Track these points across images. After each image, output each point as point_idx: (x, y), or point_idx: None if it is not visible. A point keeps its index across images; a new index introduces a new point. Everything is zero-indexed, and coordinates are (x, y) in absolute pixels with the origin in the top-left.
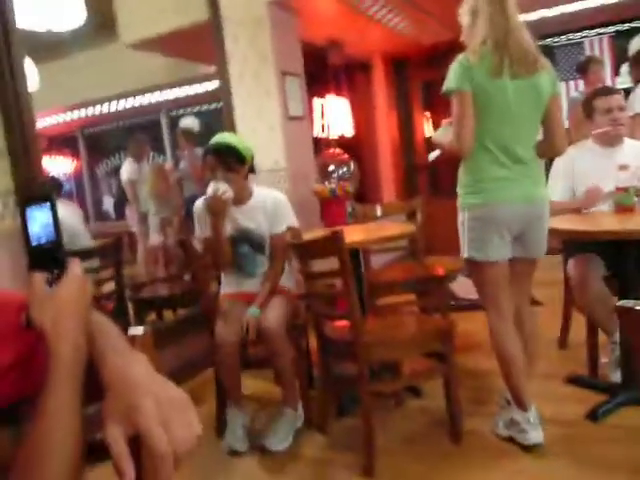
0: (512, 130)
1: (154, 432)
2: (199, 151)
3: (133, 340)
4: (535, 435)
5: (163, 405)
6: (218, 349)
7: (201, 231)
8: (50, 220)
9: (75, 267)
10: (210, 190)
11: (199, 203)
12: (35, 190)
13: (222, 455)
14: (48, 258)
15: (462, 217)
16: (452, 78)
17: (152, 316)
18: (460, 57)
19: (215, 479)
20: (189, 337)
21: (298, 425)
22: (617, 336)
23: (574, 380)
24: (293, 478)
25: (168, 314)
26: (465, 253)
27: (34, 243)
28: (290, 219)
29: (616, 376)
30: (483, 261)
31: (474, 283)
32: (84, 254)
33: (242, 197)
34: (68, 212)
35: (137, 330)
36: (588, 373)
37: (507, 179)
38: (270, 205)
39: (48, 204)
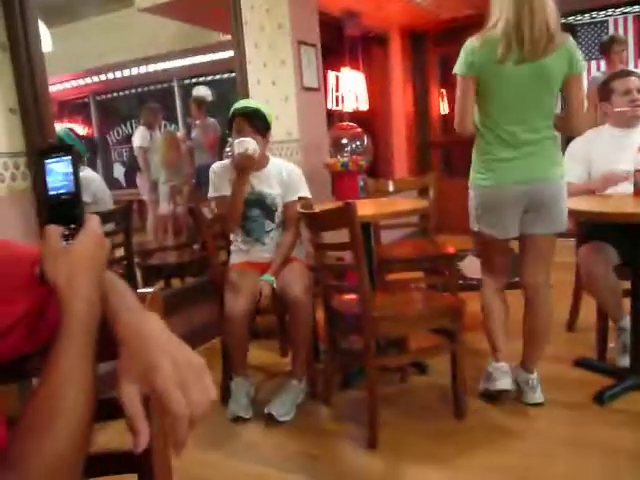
0: (516, 114)
1: (173, 395)
2: (211, 120)
3: (143, 299)
4: (535, 396)
5: (181, 367)
6: (227, 319)
7: (216, 191)
8: (70, 173)
9: (93, 223)
10: (238, 146)
11: (219, 164)
12: (56, 142)
13: (227, 422)
14: (65, 212)
15: (471, 194)
16: (458, 62)
17: (160, 284)
18: (468, 41)
19: (220, 446)
20: (196, 306)
21: (300, 399)
22: (625, 322)
23: (582, 363)
24: (296, 447)
25: (176, 283)
26: (474, 226)
27: (51, 193)
28: (304, 190)
29: (624, 361)
30: (488, 236)
31: (477, 248)
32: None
33: (261, 162)
34: (97, 176)
35: (146, 290)
36: (596, 357)
37: (513, 160)
38: (286, 175)
39: (69, 157)
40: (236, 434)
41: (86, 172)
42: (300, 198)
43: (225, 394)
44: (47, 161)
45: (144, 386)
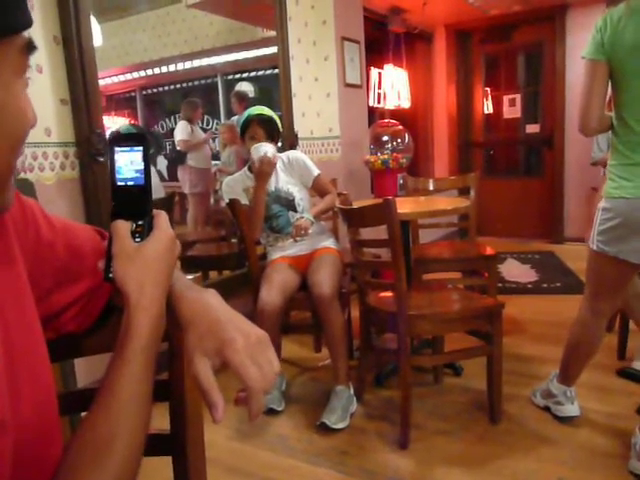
0: None
1: (250, 369)
2: None
3: None
4: (571, 408)
5: (251, 341)
6: (259, 312)
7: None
8: (141, 164)
9: (163, 222)
10: (257, 151)
11: (230, 178)
12: (129, 132)
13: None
14: (133, 206)
15: (600, 206)
16: (587, 43)
17: (198, 275)
18: (600, 18)
19: (251, 437)
20: (233, 298)
21: (353, 409)
22: None
23: (625, 373)
24: (327, 443)
25: (214, 275)
26: (593, 244)
27: (119, 184)
28: (314, 168)
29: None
30: (612, 256)
31: (588, 268)
32: None
33: None
34: (154, 174)
35: (187, 276)
36: (617, 358)
37: None
38: (288, 162)
39: (141, 147)
40: (268, 426)
41: None
42: (317, 177)
43: None
44: (117, 149)
45: (216, 360)
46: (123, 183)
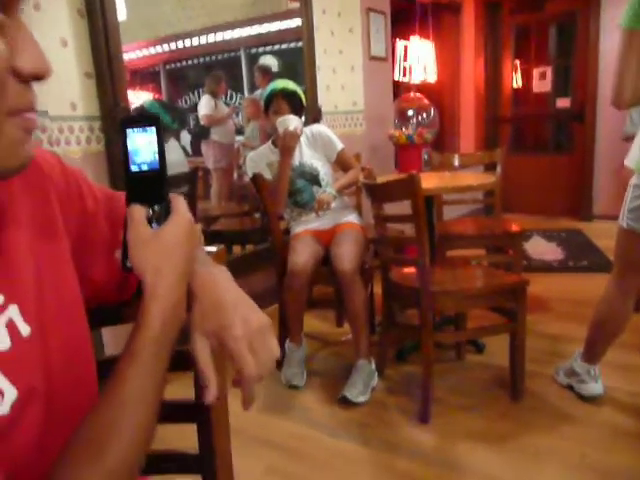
0: None
1: (245, 357)
2: None
3: (211, 255)
4: (595, 387)
5: (250, 327)
6: (291, 272)
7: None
8: (154, 146)
9: (181, 206)
10: (282, 124)
11: (254, 152)
12: (141, 111)
13: (282, 387)
14: (148, 190)
15: (632, 180)
16: (625, 11)
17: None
18: None
19: (274, 409)
20: (256, 272)
21: (374, 383)
22: None
23: None
24: (348, 415)
25: (237, 250)
26: (623, 221)
27: (133, 169)
28: (338, 142)
29: None
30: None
31: (617, 246)
32: None
33: None
34: (178, 149)
35: (211, 248)
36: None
37: None
38: (311, 136)
39: (154, 128)
40: (291, 399)
41: (170, 143)
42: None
43: (281, 360)
44: (129, 131)
45: (214, 341)
46: (137, 167)
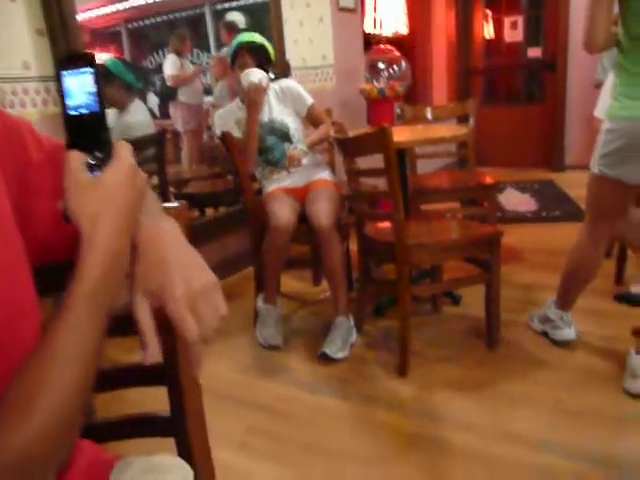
0: None
1: (185, 319)
2: None
3: (168, 212)
4: (568, 332)
5: (193, 286)
6: (275, 228)
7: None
8: (92, 88)
9: (124, 151)
10: (247, 77)
11: (222, 110)
12: (75, 53)
13: (259, 347)
14: (88, 135)
15: (604, 127)
16: None
17: (195, 213)
18: None
19: (252, 369)
20: (230, 235)
21: (353, 339)
22: None
23: (622, 297)
24: (327, 372)
25: (211, 213)
26: (594, 167)
27: (70, 112)
28: (308, 96)
29: (636, 288)
30: (614, 179)
31: (589, 193)
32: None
33: None
34: (144, 110)
35: (172, 204)
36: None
37: None
38: (280, 91)
39: (90, 70)
40: (270, 359)
41: (136, 104)
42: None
43: (257, 320)
44: (65, 73)
45: (155, 302)
46: (75, 111)
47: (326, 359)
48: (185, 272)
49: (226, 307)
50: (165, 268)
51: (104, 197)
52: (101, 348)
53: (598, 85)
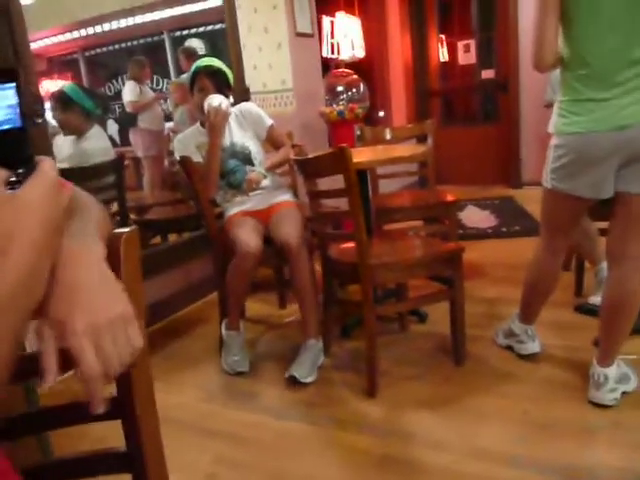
0: (616, 40)
1: (82, 354)
2: None
3: (118, 239)
4: (532, 346)
5: (98, 319)
6: (245, 255)
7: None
8: (14, 103)
9: (46, 165)
10: (210, 103)
11: (182, 135)
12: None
13: (226, 376)
14: (10, 152)
15: (552, 143)
16: None
17: (157, 240)
18: None
19: (217, 397)
20: (194, 260)
21: (320, 361)
22: (603, 265)
23: (582, 308)
24: (295, 397)
25: (173, 238)
26: (547, 182)
27: None
28: (268, 118)
29: (596, 299)
30: (565, 193)
31: (543, 207)
32: (82, 173)
33: None
34: (104, 137)
35: (123, 230)
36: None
37: (610, 100)
38: (241, 114)
39: (13, 84)
40: (236, 385)
41: (94, 130)
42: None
43: (222, 346)
44: None
45: (57, 332)
46: None
47: (294, 382)
48: (94, 302)
49: (142, 340)
50: (72, 296)
51: (21, 212)
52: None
53: (548, 105)
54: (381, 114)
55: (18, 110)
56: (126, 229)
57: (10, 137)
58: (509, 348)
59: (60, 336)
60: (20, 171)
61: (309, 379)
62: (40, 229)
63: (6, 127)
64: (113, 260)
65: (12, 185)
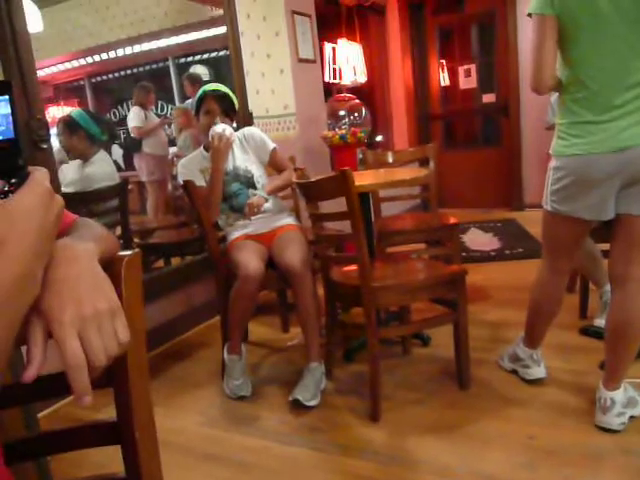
0: (614, 63)
1: (68, 343)
2: None
3: (120, 260)
4: (538, 370)
5: (85, 311)
6: (245, 278)
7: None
8: (7, 114)
9: (38, 175)
10: (214, 130)
11: (186, 159)
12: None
13: (228, 400)
14: (4, 161)
15: (551, 165)
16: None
17: (160, 263)
18: None
19: (221, 421)
20: (197, 284)
21: (323, 385)
22: (608, 287)
23: (587, 331)
24: (298, 421)
25: (176, 261)
26: (547, 205)
27: None
28: (270, 142)
29: (600, 322)
30: (565, 215)
31: (544, 229)
32: (87, 197)
33: None
34: (109, 162)
35: (125, 253)
36: (578, 317)
37: (609, 122)
38: (244, 139)
39: (6, 97)
40: (238, 409)
41: (99, 155)
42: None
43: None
44: None
45: (44, 322)
46: None
47: (298, 406)
48: (81, 294)
49: (128, 333)
50: (59, 287)
51: (11, 220)
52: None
53: (549, 128)
54: (379, 138)
55: (11, 120)
56: (128, 252)
57: (3, 147)
58: (514, 372)
59: (46, 324)
60: (13, 180)
61: (313, 402)
62: (33, 235)
63: (0, 139)
64: (114, 283)
65: (5, 194)
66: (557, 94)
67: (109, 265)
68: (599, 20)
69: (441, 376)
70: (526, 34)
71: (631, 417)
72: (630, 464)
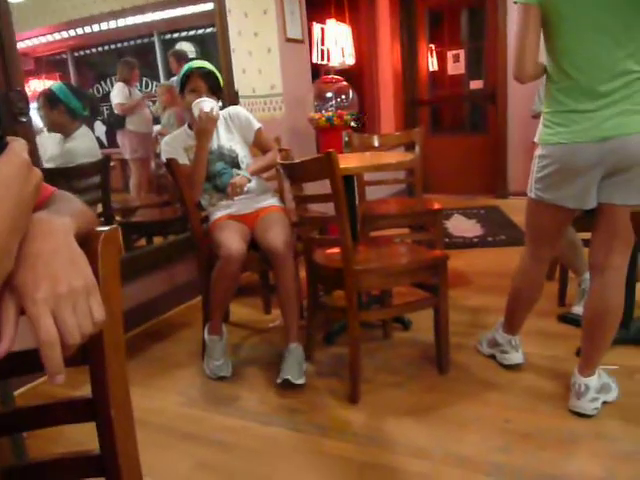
0: (597, 51)
1: (42, 321)
2: None
3: (97, 236)
4: (516, 356)
5: (59, 288)
6: (227, 258)
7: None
8: None
9: (16, 146)
10: (199, 107)
11: (170, 136)
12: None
13: (209, 380)
14: None
15: (536, 153)
16: None
17: (142, 242)
18: None
19: (201, 401)
20: (179, 263)
21: (304, 365)
22: (587, 275)
23: (566, 318)
24: (278, 402)
25: (159, 240)
26: (531, 192)
27: None
28: (255, 121)
29: (578, 309)
30: (549, 203)
31: (527, 216)
32: (67, 173)
33: None
34: (91, 137)
35: (103, 228)
36: (557, 304)
37: (594, 111)
38: (229, 118)
39: None
40: (219, 389)
41: (81, 130)
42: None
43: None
44: None
45: (17, 299)
46: None
47: (288, 386)
48: (56, 269)
49: (103, 312)
50: (33, 263)
51: None
52: None
53: (535, 116)
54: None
55: None
56: (106, 228)
57: None
58: (492, 357)
59: (19, 301)
60: None
61: (300, 381)
62: (9, 206)
63: None
64: (91, 259)
65: None
66: (544, 83)
67: (86, 241)
68: (581, 10)
69: (421, 360)
70: (515, 21)
71: (604, 402)
72: (602, 448)
